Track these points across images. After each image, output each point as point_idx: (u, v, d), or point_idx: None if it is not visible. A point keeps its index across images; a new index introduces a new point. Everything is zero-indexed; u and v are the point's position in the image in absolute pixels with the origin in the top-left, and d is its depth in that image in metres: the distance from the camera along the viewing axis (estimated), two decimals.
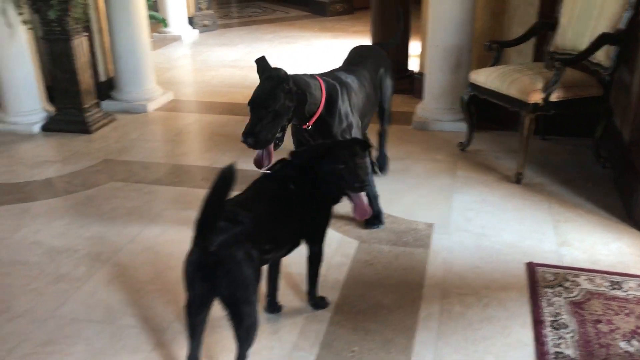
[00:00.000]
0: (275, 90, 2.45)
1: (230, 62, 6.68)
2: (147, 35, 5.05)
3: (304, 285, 2.48)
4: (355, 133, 2.83)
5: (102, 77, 5.16)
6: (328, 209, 2.32)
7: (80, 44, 4.45)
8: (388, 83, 3.39)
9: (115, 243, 3.00)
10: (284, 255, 2.28)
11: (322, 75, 2.88)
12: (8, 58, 4.42)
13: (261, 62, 2.59)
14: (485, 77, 3.66)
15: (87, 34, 4.60)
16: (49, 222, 3.22)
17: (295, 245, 2.26)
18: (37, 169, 3.93)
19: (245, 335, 1.92)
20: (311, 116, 2.69)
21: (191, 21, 8.19)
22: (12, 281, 2.70)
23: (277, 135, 2.54)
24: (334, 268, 2.73)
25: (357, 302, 2.51)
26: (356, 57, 3.30)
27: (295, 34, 8.05)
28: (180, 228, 3.06)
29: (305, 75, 2.73)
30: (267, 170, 2.30)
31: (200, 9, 8.40)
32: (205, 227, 1.76)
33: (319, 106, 2.68)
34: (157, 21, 7.25)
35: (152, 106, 5.05)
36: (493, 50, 3.85)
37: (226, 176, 1.74)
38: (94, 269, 2.78)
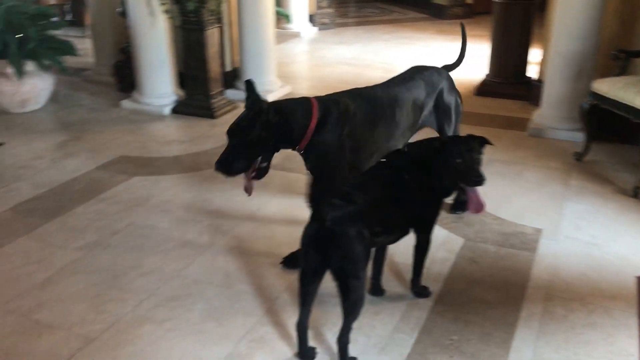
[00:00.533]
0: (253, 121, 2.41)
1: (347, 59, 6.86)
2: (273, 30, 5.33)
3: (407, 274, 2.58)
4: (343, 168, 2.58)
5: (228, 67, 5.51)
6: (439, 201, 2.40)
7: (212, 34, 4.80)
8: (447, 109, 3.06)
9: (235, 217, 3.24)
10: (393, 241, 2.39)
11: (327, 96, 2.66)
12: (148, 44, 4.85)
13: (248, 86, 2.49)
14: (609, 87, 3.57)
15: (219, 25, 4.94)
16: (177, 194, 3.53)
17: (404, 233, 2.36)
18: (166, 146, 4.29)
19: (351, 307, 2.06)
20: (300, 141, 2.53)
21: (311, 19, 8.48)
22: (144, 242, 3.01)
23: (262, 165, 2.53)
24: (438, 262, 2.81)
25: (458, 295, 2.58)
26: (397, 78, 2.99)
27: (412, 35, 8.11)
28: (293, 209, 3.26)
29: (297, 99, 2.60)
30: (382, 159, 2.40)
31: (320, 7, 8.67)
32: (321, 202, 1.90)
33: (306, 131, 2.50)
34: (283, 17, 7.58)
35: (271, 97, 5.32)
36: (619, 59, 3.74)
37: None
38: (215, 238, 3.03)
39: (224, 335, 2.34)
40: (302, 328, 2.16)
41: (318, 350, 2.23)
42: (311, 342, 2.24)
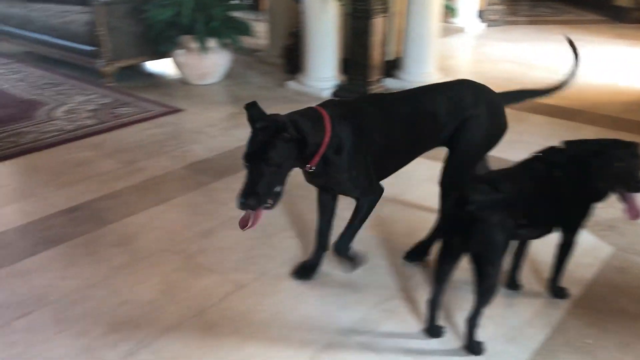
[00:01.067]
0: (274, 141, 2.11)
1: (512, 57, 6.70)
2: (437, 23, 5.38)
3: (546, 274, 2.55)
4: (362, 182, 2.40)
5: (389, 56, 5.65)
6: (589, 204, 2.35)
7: (377, 23, 4.96)
8: (468, 140, 2.56)
9: (381, 199, 3.38)
10: (535, 237, 2.38)
11: (338, 104, 2.41)
12: (317, 29, 5.14)
13: (252, 109, 2.22)
14: None
15: (385, 14, 5.09)
16: None
17: (548, 230, 2.34)
18: None
19: (484, 293, 2.10)
20: (312, 156, 2.26)
21: (480, 14, 8.35)
22: (295, 209, 3.26)
23: (277, 190, 2.21)
24: (582, 267, 2.73)
25: (599, 302, 2.50)
26: (425, 87, 2.65)
27: (586, 37, 7.66)
28: (434, 198, 3.31)
29: (306, 111, 2.30)
30: (538, 153, 2.37)
31: (491, 3, 8.49)
32: (466, 186, 1.97)
33: (321, 145, 2.24)
34: (449, 11, 7.57)
35: None
36: None
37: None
38: None
39: (358, 301, 2.50)
40: (433, 305, 2.25)
41: (446, 330, 2.31)
42: (440, 322, 2.33)
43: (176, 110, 4.86)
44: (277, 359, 2.17)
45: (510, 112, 4.61)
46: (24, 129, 4.37)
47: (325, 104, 2.37)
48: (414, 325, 2.36)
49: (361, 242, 2.91)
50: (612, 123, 4.62)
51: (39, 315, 2.41)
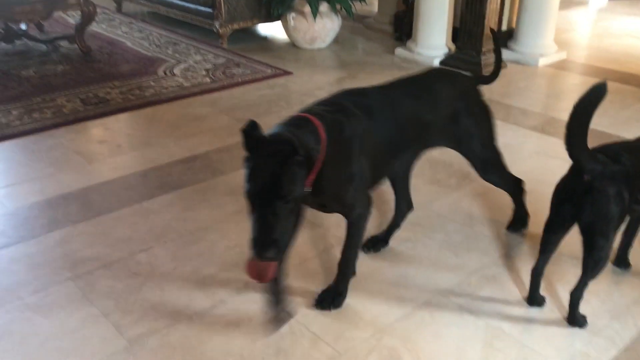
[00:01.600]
0: (289, 169, 1.70)
1: (636, 32, 6.27)
2: None
3: None
4: (358, 186, 2.09)
5: (504, 27, 5.47)
6: None
7: None
8: (466, 133, 2.42)
9: None
10: None
11: (325, 109, 2.02)
12: None
13: (251, 132, 1.73)
14: None
15: None
16: None
17: None
18: None
19: (592, 265, 2.06)
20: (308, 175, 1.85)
21: None
22: None
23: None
24: None
25: None
26: (403, 82, 2.40)
27: None
28: (543, 171, 3.24)
29: (297, 121, 1.91)
30: None
31: None
32: (574, 143, 1.91)
33: (318, 160, 1.87)
34: None
35: (543, 61, 5.19)
36: None
37: (596, 91, 1.86)
38: (463, 183, 3.19)
39: (458, 265, 2.52)
40: (536, 274, 2.23)
41: (547, 301, 2.29)
42: (542, 292, 2.31)
43: (286, 73, 5.00)
44: (373, 312, 2.25)
45: (627, 89, 4.46)
46: (145, 84, 4.67)
47: (312, 110, 1.99)
48: (514, 292, 2.35)
49: (463, 210, 2.92)
50: None
51: (158, 250, 2.63)
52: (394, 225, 2.68)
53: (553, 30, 5.28)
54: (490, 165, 2.54)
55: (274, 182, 1.68)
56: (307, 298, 2.31)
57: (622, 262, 2.48)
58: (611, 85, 4.72)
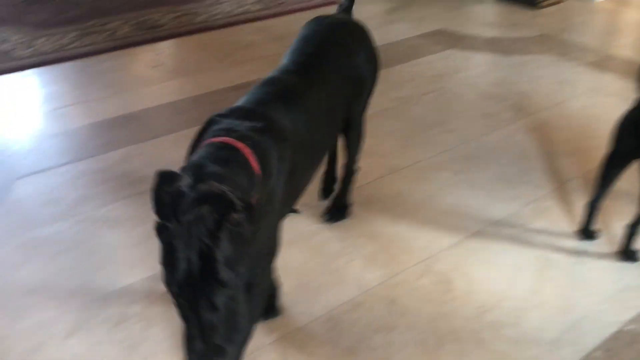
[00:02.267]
0: (224, 236, 1.14)
1: None
2: None
3: None
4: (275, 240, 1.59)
5: None
6: None
7: None
8: (361, 86, 2.05)
9: (540, 104, 3.29)
10: None
11: (242, 118, 1.46)
12: None
13: (164, 184, 1.18)
14: None
15: None
16: (487, 72, 3.68)
17: None
18: (483, 27, 4.40)
19: None
20: None
21: None
22: (451, 105, 3.28)
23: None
24: None
25: None
26: (308, 47, 1.91)
27: None
28: (600, 109, 3.17)
29: (223, 154, 1.33)
30: None
31: None
32: None
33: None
34: None
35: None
36: None
37: None
38: (517, 117, 3.15)
39: (512, 197, 2.53)
40: (592, 208, 2.23)
41: (600, 235, 2.30)
42: (595, 227, 2.31)
43: (334, 2, 4.91)
44: (425, 238, 2.30)
45: None
46: (195, 10, 4.65)
47: (236, 132, 1.41)
48: (566, 225, 2.36)
49: (517, 144, 2.90)
50: None
51: None
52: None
53: None
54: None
55: (207, 262, 1.13)
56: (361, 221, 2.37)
57: None
58: None
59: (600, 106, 3.25)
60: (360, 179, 2.63)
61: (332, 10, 4.73)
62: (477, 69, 3.72)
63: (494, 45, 4.08)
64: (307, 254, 2.21)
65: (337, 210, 2.40)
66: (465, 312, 1.98)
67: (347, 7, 2.23)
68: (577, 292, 2.06)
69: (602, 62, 3.80)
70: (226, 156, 1.32)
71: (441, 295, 2.04)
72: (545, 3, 4.76)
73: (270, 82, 1.70)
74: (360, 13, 4.61)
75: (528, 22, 4.50)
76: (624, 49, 4.07)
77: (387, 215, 2.43)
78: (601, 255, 2.22)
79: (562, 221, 2.39)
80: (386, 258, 2.20)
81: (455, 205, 2.48)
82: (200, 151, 1.35)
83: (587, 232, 2.28)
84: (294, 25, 4.40)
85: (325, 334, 1.89)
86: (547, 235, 2.32)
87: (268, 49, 4.00)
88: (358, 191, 2.55)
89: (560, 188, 2.59)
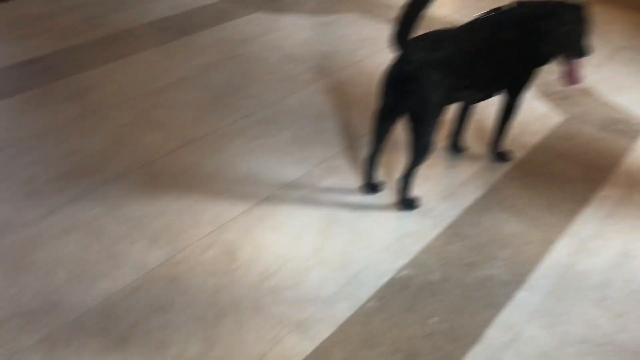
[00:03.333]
0: None
1: None
2: None
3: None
4: None
5: None
6: (534, 66, 2.33)
7: None
8: None
9: (341, 63, 3.35)
10: (479, 99, 2.38)
11: None
12: None
13: None
14: None
15: None
16: (292, 34, 3.67)
17: (491, 93, 2.34)
18: None
19: (416, 151, 2.13)
20: None
21: None
22: (253, 70, 3.23)
23: None
24: (530, 133, 2.77)
25: (539, 166, 2.57)
26: None
27: None
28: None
29: None
30: (485, 13, 2.30)
31: None
32: (400, 35, 1.94)
33: None
34: None
35: None
36: None
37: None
38: (317, 78, 3.18)
39: (304, 158, 2.55)
40: (369, 163, 2.30)
41: (384, 187, 2.38)
42: (379, 180, 2.40)
43: None
44: (214, 210, 2.25)
45: None
46: None
47: None
48: (354, 182, 2.43)
49: (314, 105, 2.93)
50: None
51: None
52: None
53: None
54: None
55: None
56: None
57: (455, 147, 2.61)
58: None
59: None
60: (152, 153, 2.53)
61: None
62: (282, 31, 3.70)
63: (302, 6, 4.07)
64: (85, 241, 2.08)
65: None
66: (248, 280, 1.97)
67: None
68: (357, 245, 2.12)
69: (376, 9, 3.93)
70: None
71: (225, 266, 2.02)
72: None
73: None
74: None
75: None
76: None
77: (176, 190, 2.34)
78: (382, 207, 2.31)
79: (350, 178, 2.45)
80: (171, 235, 2.13)
81: (248, 173, 2.46)
82: None
83: (369, 186, 2.36)
84: None
85: (97, 325, 1.79)
86: (334, 193, 2.37)
87: (64, 19, 3.71)
88: (145, 168, 2.44)
89: (352, 145, 2.65)
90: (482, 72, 2.23)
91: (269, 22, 3.79)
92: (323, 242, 2.13)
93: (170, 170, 2.44)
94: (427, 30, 2.09)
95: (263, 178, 2.43)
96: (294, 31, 3.71)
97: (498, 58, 2.22)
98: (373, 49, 3.49)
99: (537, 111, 2.92)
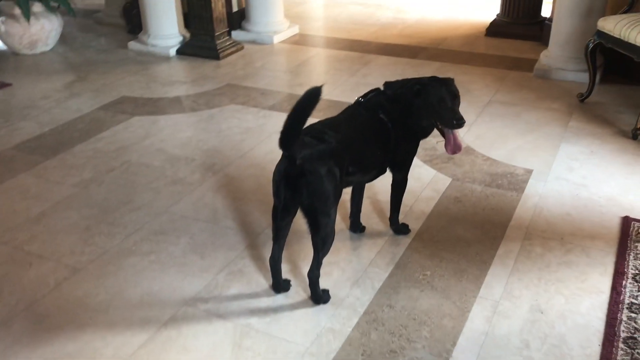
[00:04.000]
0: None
1: (362, 0, 6.72)
2: None
3: (389, 213, 2.61)
4: None
5: (235, 8, 5.45)
6: (416, 141, 2.40)
7: None
8: None
9: (228, 157, 3.29)
10: (369, 180, 2.40)
11: None
12: None
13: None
14: (614, 25, 3.45)
15: None
16: (174, 134, 3.58)
17: (380, 172, 2.37)
18: (168, 87, 4.33)
19: (321, 243, 2.10)
20: None
21: None
22: (137, 179, 3.08)
23: None
24: (422, 201, 2.83)
25: (438, 233, 2.60)
26: None
27: None
28: None
29: None
30: (361, 98, 2.36)
31: None
32: (288, 139, 1.92)
33: None
34: None
35: (278, 38, 5.29)
36: None
37: (311, 95, 1.89)
38: (206, 177, 3.09)
39: (205, 267, 2.42)
40: (274, 262, 2.22)
41: (293, 283, 2.30)
42: (287, 276, 2.32)
43: (2, 85, 4.41)
44: (115, 343, 2.05)
45: (354, 55, 4.61)
46: None
47: None
48: (262, 283, 2.32)
49: (207, 207, 2.82)
50: (454, 57, 4.79)
51: None
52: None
53: (282, 6, 5.39)
54: None
55: None
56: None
57: (356, 227, 2.60)
58: (340, 54, 4.96)
59: None
60: (35, 291, 2.30)
61: (1, 94, 4.18)
62: (162, 133, 3.60)
63: (180, 104, 4.02)
64: None
65: None
66: None
67: None
68: (275, 355, 2.00)
69: (284, 104, 3.98)
70: None
71: None
72: (224, 53, 4.88)
73: None
74: (32, 93, 4.23)
75: (213, 74, 4.56)
76: (302, 87, 4.34)
77: (70, 326, 2.12)
78: (297, 305, 2.22)
79: (257, 279, 2.35)
80: None
81: (146, 294, 2.28)
82: None
83: (278, 285, 2.27)
84: None
85: None
86: (242, 300, 2.25)
87: None
88: (32, 308, 2.21)
89: (253, 243, 2.56)
90: (368, 154, 2.26)
91: (147, 126, 3.68)
92: (239, 356, 1.99)
93: (58, 308, 2.22)
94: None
95: (163, 297, 2.27)
96: (175, 131, 3.62)
97: (381, 138, 2.27)
98: (258, 138, 3.47)
99: (425, 178, 3.00)
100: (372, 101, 2.31)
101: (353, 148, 2.16)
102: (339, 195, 2.10)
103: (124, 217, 2.77)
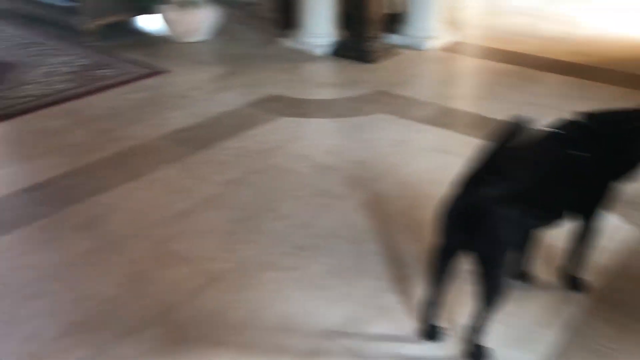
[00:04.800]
0: None
1: (525, 9, 6.21)
2: None
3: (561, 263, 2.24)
4: None
5: (389, 10, 5.20)
6: (614, 183, 2.01)
7: None
8: None
9: (375, 171, 3.06)
10: (552, 226, 2.05)
11: None
12: None
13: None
14: None
15: None
16: (320, 140, 3.42)
17: (567, 216, 2.02)
18: (317, 88, 4.19)
19: (486, 296, 1.79)
20: None
21: None
22: (281, 185, 2.94)
23: None
24: (607, 253, 2.40)
25: (624, 296, 2.19)
26: None
27: None
28: (437, 170, 2.97)
29: None
30: (559, 129, 2.00)
31: None
32: (478, 177, 1.64)
33: None
34: None
35: (435, 44, 4.98)
36: None
37: (512, 131, 1.59)
38: (352, 190, 2.88)
39: (346, 295, 2.20)
40: (429, 306, 1.94)
41: (445, 332, 2.01)
42: (440, 322, 2.03)
43: (160, 72, 4.49)
44: None
45: (522, 70, 4.18)
46: None
47: None
48: (409, 324, 2.06)
49: (352, 225, 2.61)
50: (632, 81, 4.20)
51: None
52: None
53: (442, 12, 5.08)
54: None
55: None
56: None
57: (525, 277, 2.24)
58: (499, 67, 4.55)
59: (441, 167, 3.06)
60: (172, 296, 2.20)
61: (158, 80, 4.32)
62: (309, 137, 3.45)
63: (327, 108, 3.85)
64: None
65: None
66: None
67: None
68: None
69: (438, 118, 3.68)
70: None
71: None
72: (377, 57, 4.66)
73: None
74: (186, 83, 4.26)
75: (363, 78, 4.35)
76: (458, 100, 4.01)
77: (202, 343, 2.00)
78: (449, 359, 1.93)
79: (403, 320, 2.08)
80: None
81: (282, 317, 2.10)
82: None
83: (429, 332, 1.99)
84: (108, 104, 3.92)
85: None
86: (387, 342, 2.00)
87: (74, 135, 3.51)
88: (167, 315, 2.11)
89: (400, 276, 2.30)
90: (559, 197, 1.91)
91: (294, 128, 3.55)
92: None
93: (193, 319, 2.10)
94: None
95: (300, 324, 2.07)
96: (321, 137, 3.46)
97: (574, 178, 1.91)
98: (409, 154, 3.21)
99: (611, 228, 2.56)
100: (569, 135, 1.95)
101: (543, 189, 1.82)
102: (519, 244, 1.79)
103: (266, 224, 2.62)
